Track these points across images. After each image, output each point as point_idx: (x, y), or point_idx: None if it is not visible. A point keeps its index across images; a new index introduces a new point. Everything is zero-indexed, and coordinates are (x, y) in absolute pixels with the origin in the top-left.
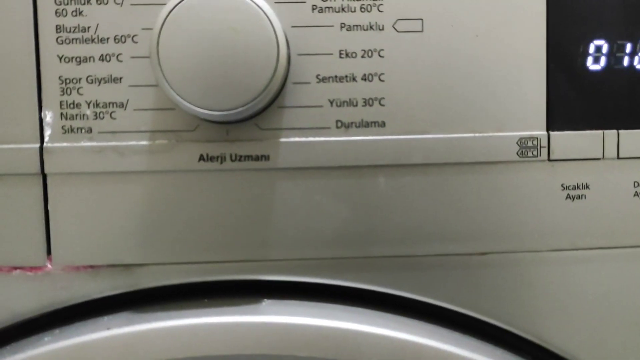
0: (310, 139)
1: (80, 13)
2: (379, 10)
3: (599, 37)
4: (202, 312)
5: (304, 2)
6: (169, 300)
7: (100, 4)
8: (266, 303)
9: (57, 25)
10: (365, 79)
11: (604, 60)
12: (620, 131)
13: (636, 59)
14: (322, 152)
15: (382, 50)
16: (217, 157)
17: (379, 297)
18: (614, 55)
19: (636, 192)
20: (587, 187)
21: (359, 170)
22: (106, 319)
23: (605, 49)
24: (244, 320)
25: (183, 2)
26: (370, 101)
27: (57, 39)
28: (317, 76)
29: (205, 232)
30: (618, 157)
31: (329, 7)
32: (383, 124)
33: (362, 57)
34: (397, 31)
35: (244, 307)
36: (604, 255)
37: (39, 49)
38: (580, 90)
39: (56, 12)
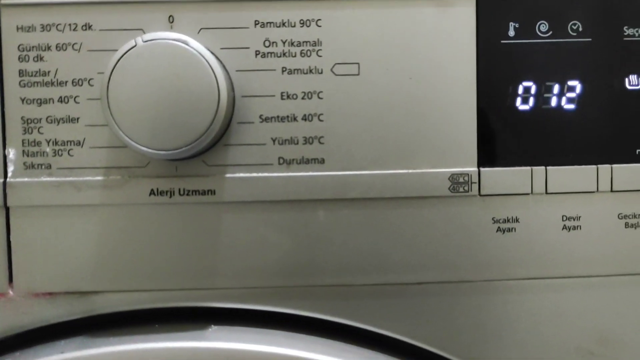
0: (254, 174)
1: (41, 58)
2: (318, 55)
3: (527, 79)
4: (152, 337)
5: (248, 47)
6: (123, 325)
7: (59, 50)
8: (212, 329)
9: (19, 70)
10: (305, 119)
11: (532, 101)
12: (549, 167)
13: (564, 99)
14: (265, 187)
15: (321, 92)
16: (167, 191)
17: (322, 323)
18: (542, 96)
19: (564, 225)
20: (517, 220)
21: (299, 204)
22: (63, 343)
23: (533, 90)
24: (190, 346)
25: (132, 49)
26: (311, 139)
27: (19, 82)
28: (260, 116)
29: (156, 261)
30: (546, 192)
31: (271, 53)
32: (322, 161)
33: (303, 98)
34: (335, 74)
35: (191, 333)
36: (535, 286)
37: (3, 92)
38: (510, 129)
39: (19, 58)
